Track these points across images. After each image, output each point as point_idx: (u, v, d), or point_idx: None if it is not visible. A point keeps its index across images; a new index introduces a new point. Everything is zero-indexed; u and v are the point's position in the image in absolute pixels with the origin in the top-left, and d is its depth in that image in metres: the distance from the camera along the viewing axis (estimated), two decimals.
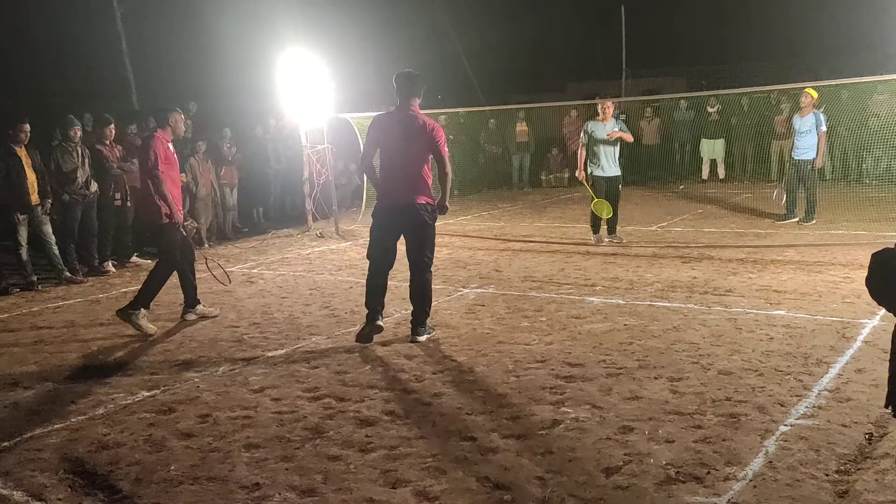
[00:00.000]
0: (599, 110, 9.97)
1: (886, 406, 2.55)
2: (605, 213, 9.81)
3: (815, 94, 10.55)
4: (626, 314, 6.38)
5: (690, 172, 17.16)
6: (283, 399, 4.78)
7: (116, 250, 10.14)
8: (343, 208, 13.74)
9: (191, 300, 6.99)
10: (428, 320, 6.13)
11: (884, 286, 2.31)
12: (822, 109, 12.95)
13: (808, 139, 10.50)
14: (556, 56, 28.15)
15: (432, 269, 6.15)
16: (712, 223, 11.39)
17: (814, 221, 10.60)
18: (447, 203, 6.08)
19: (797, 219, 10.79)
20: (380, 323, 5.92)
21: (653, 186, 16.65)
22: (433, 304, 6.29)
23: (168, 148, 6.72)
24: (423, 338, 5.98)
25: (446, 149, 5.95)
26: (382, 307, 6.02)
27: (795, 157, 10.67)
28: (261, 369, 5.41)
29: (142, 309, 6.55)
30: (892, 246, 2.39)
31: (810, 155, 10.51)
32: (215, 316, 7.03)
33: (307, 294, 7.88)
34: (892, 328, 2.48)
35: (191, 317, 6.95)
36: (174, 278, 6.90)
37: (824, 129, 10.47)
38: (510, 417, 4.27)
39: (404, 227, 5.95)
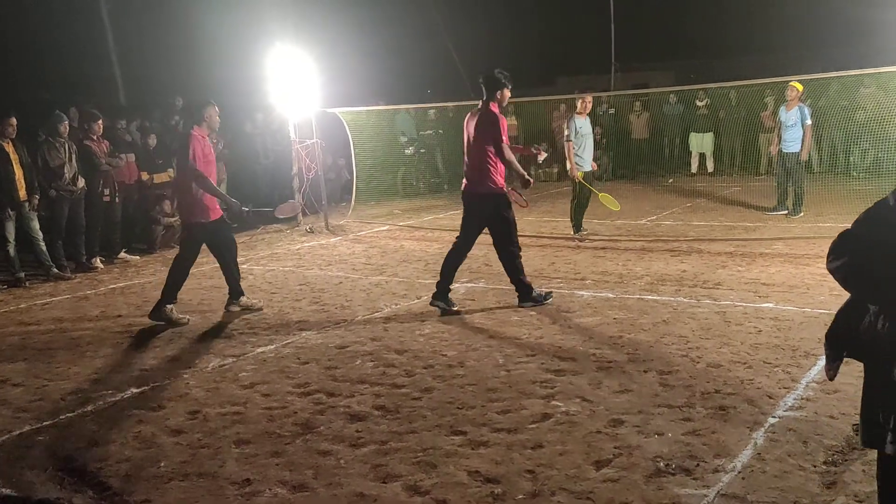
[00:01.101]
0: (581, 105, 9.98)
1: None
2: (614, 205, 9.84)
3: (800, 88, 10.61)
4: (615, 308, 6.40)
5: (679, 166, 17.20)
6: (273, 395, 4.77)
7: (105, 246, 10.08)
8: (332, 203, 13.70)
9: (234, 292, 6.95)
10: (535, 293, 6.61)
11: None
12: (808, 102, 13.08)
13: (793, 132, 10.57)
14: (545, 50, 28.12)
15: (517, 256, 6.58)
16: (701, 217, 11.43)
17: (801, 214, 10.65)
18: (527, 176, 6.51)
19: (786, 211, 10.84)
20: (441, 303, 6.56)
21: (642, 180, 16.67)
22: (426, 296, 6.44)
23: (206, 144, 6.65)
24: (527, 303, 6.53)
25: (499, 135, 6.32)
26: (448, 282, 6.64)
27: (783, 150, 10.73)
28: (251, 365, 5.40)
29: (168, 305, 6.60)
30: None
31: (796, 148, 10.57)
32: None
33: (297, 289, 7.86)
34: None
35: (234, 308, 6.91)
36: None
37: (809, 122, 10.53)
38: (501, 411, 4.28)
39: (472, 212, 6.64)
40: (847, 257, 2.35)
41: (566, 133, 10.01)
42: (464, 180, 6.71)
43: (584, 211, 10.12)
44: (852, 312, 2.51)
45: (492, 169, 6.42)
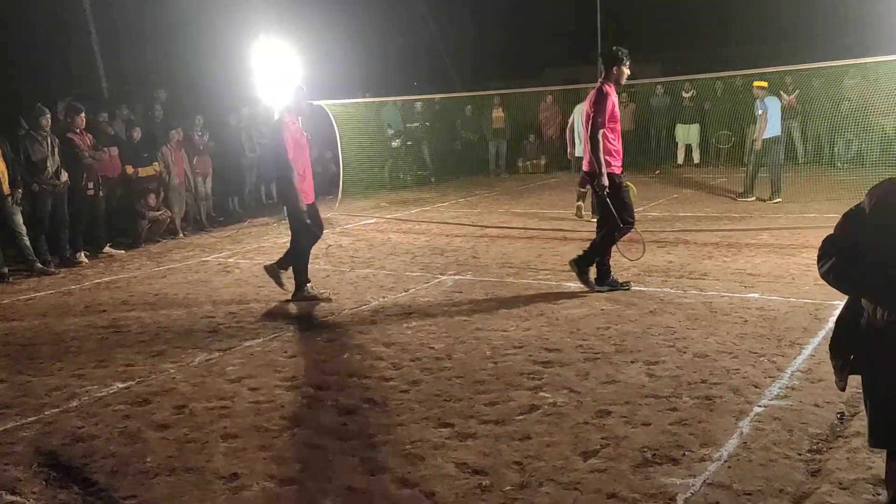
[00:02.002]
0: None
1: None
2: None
3: (764, 85, 11.40)
4: (602, 299, 6.42)
5: (666, 157, 17.25)
6: (260, 388, 4.75)
7: (89, 241, 9.99)
8: (319, 196, 13.60)
9: (284, 266, 7.08)
10: (610, 277, 6.67)
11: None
12: (796, 93, 13.55)
13: (760, 123, 11.41)
14: (532, 42, 28.08)
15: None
16: (688, 208, 11.48)
17: (752, 199, 11.40)
18: (602, 180, 6.47)
19: (777, 197, 11.21)
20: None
21: (628, 171, 16.67)
22: (413, 289, 6.44)
23: (297, 130, 6.88)
24: (577, 284, 6.62)
25: (599, 113, 6.32)
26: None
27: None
28: (238, 359, 5.38)
29: (307, 285, 6.94)
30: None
31: (764, 135, 11.25)
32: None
33: (284, 283, 7.81)
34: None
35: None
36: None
37: (761, 112, 11.22)
38: (488, 403, 4.29)
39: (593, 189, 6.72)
40: (833, 259, 2.43)
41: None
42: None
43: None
44: (848, 316, 2.57)
45: (589, 147, 6.49)
